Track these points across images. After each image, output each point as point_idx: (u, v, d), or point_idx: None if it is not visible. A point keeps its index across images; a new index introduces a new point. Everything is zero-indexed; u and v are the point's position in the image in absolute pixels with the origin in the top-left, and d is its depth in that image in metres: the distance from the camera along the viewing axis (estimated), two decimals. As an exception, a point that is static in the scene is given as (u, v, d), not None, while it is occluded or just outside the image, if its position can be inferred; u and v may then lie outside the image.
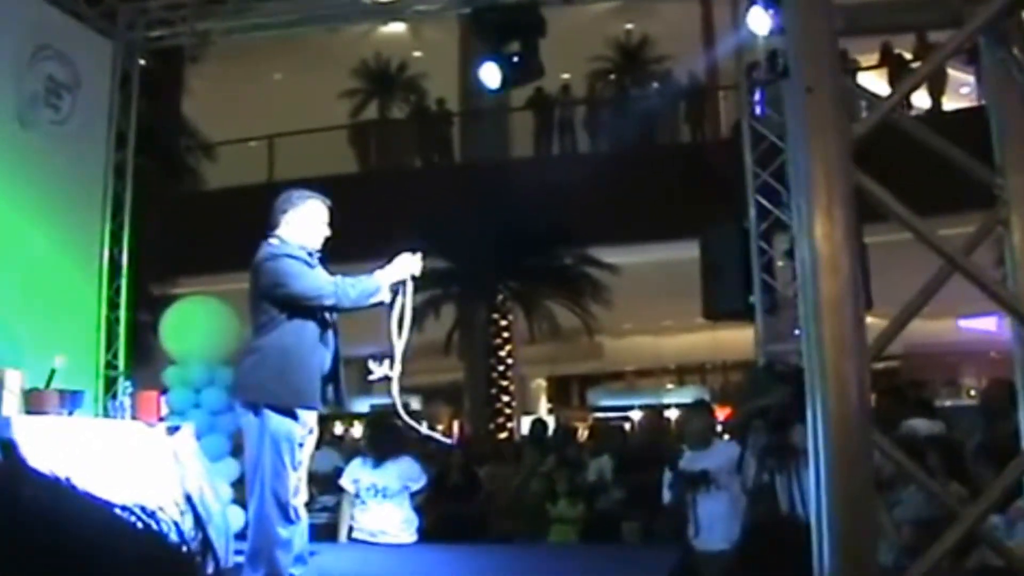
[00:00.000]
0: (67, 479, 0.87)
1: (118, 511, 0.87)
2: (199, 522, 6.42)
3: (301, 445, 6.10)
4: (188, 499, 6.33)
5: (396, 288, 6.18)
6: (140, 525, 0.88)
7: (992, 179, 2.95)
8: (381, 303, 6.11)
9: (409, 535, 8.90)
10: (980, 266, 2.73)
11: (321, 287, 6.01)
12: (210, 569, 0.96)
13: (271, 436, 5.93)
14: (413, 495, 8.93)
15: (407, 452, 9.21)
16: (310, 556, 6.29)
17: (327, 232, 6.31)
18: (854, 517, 2.55)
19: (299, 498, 6.20)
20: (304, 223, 6.23)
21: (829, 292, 2.54)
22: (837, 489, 2.55)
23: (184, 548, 0.91)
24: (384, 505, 8.81)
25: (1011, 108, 3.04)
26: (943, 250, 2.71)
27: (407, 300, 6.21)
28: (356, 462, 9.13)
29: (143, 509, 0.90)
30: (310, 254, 6.17)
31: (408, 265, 6.18)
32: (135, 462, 6.79)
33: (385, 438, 9.18)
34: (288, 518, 6.00)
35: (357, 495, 8.90)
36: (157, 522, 0.90)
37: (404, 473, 8.82)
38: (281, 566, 5.97)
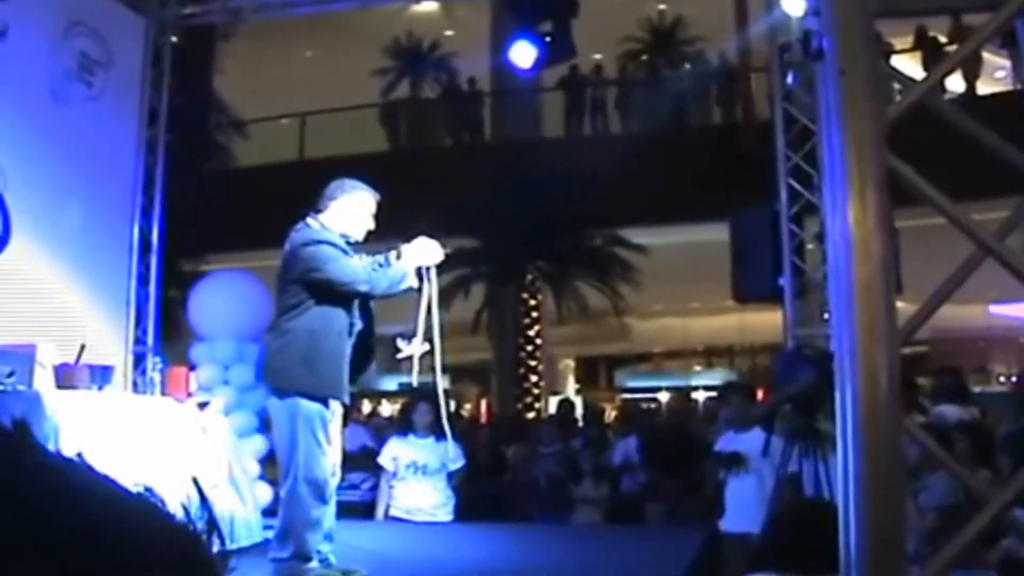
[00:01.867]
0: (79, 457, 0.87)
1: (126, 490, 0.87)
2: (205, 502, 6.44)
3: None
4: (194, 480, 6.35)
5: (421, 274, 6.20)
6: (147, 504, 0.88)
7: (1028, 164, 2.92)
8: (410, 289, 6.14)
9: (446, 514, 8.90)
10: (1014, 251, 2.70)
11: (356, 274, 6.03)
12: (215, 548, 0.96)
13: (303, 417, 5.97)
14: (451, 475, 8.94)
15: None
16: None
17: (371, 225, 6.34)
18: (883, 503, 2.54)
19: (334, 479, 6.25)
20: (350, 212, 6.26)
21: (861, 277, 2.52)
22: (866, 475, 2.53)
23: (190, 527, 0.91)
24: (423, 482, 8.81)
25: (1047, 93, 3.02)
26: (978, 235, 2.69)
27: (433, 287, 6.24)
28: (395, 439, 9.07)
29: (150, 489, 0.91)
30: (348, 243, 6.20)
31: (429, 250, 6.22)
32: (152, 438, 6.82)
33: (448, 416, 9.18)
34: (322, 498, 6.05)
35: (395, 472, 8.90)
36: (163, 502, 0.90)
37: (445, 452, 8.82)
38: (310, 545, 6.01)
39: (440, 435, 8.57)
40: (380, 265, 6.23)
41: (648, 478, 10.94)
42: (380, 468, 9.07)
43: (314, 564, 6.04)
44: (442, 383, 6.62)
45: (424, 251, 6.20)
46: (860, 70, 2.52)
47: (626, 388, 30.55)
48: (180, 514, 0.91)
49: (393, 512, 8.88)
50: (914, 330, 2.64)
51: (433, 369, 6.45)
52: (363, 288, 6.04)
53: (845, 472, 2.58)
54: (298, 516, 6.00)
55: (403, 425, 9.14)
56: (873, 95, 2.56)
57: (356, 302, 6.18)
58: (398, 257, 6.21)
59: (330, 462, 6.13)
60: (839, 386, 2.59)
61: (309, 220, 6.20)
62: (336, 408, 6.22)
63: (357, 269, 6.07)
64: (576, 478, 11.09)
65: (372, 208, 6.34)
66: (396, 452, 8.90)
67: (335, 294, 6.04)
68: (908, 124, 2.69)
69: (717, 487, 8.84)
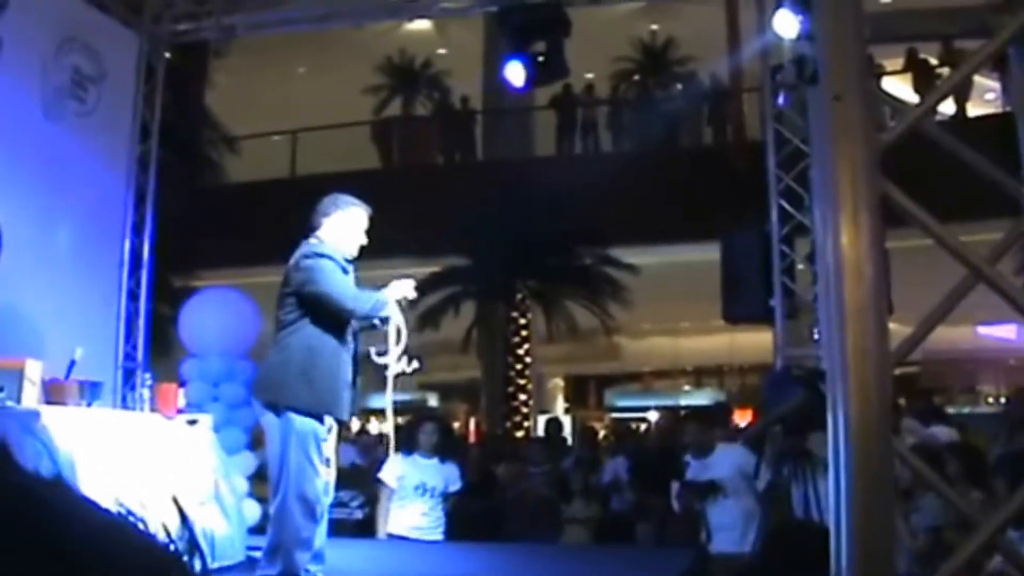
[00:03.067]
0: (58, 477, 0.87)
1: (105, 511, 0.87)
2: (186, 521, 6.45)
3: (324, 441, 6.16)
4: (174, 499, 6.37)
5: (399, 304, 6.30)
6: (126, 525, 0.88)
7: (1017, 188, 2.94)
8: (385, 318, 6.22)
9: (439, 534, 8.90)
10: (1004, 275, 2.71)
11: (344, 292, 6.09)
12: (197, 568, 0.96)
13: (296, 434, 5.98)
14: (446, 496, 8.93)
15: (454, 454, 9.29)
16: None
17: (364, 241, 6.42)
18: (874, 524, 2.54)
19: (327, 497, 6.25)
20: (344, 228, 6.35)
21: (853, 299, 2.53)
22: (857, 496, 2.54)
23: (171, 547, 0.91)
24: (426, 503, 8.80)
25: (1038, 117, 3.03)
26: (968, 259, 2.70)
27: (400, 317, 6.32)
28: (399, 458, 8.84)
29: (131, 510, 0.91)
30: (347, 260, 6.28)
31: (405, 287, 6.29)
32: (139, 455, 6.79)
33: (442, 438, 9.17)
34: (313, 516, 6.05)
35: (396, 491, 8.85)
36: (144, 521, 0.90)
37: (450, 474, 8.84)
38: (298, 564, 5.99)
39: (443, 457, 8.62)
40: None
41: (637, 498, 10.93)
42: (380, 484, 8.93)
43: (301, 584, 6.03)
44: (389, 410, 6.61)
45: (401, 287, 6.27)
46: (854, 95, 2.54)
47: (615, 407, 30.54)
48: (161, 534, 0.91)
49: (391, 529, 8.84)
50: (908, 352, 2.65)
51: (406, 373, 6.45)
52: (348, 305, 6.09)
53: (836, 492, 2.59)
54: (287, 533, 5.98)
55: (407, 444, 9.06)
56: (866, 120, 2.58)
57: (351, 323, 6.23)
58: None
59: (322, 480, 6.13)
60: (831, 407, 2.60)
61: (310, 239, 6.28)
62: (332, 426, 6.23)
63: (346, 287, 6.14)
64: (566, 497, 11.08)
65: (365, 223, 6.42)
66: (402, 471, 8.82)
67: (329, 311, 6.08)
68: (900, 147, 2.70)
69: (695, 515, 8.84)
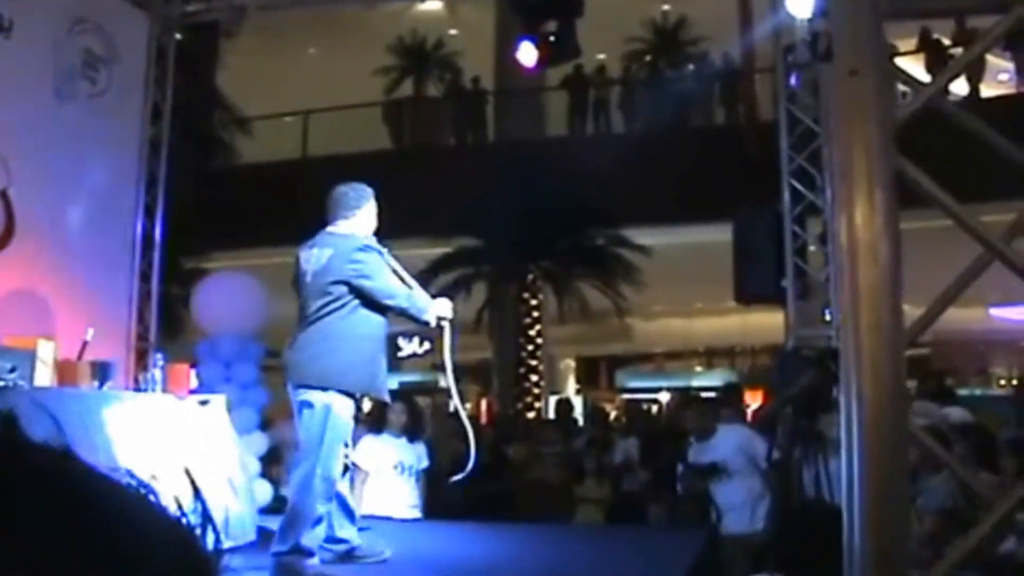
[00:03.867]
0: (68, 450, 0.87)
1: (119, 483, 0.87)
2: (199, 496, 6.54)
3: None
4: (188, 473, 6.47)
5: (440, 323, 6.58)
6: (140, 497, 0.87)
7: (1034, 167, 2.91)
8: (425, 323, 6.52)
9: (417, 512, 8.89)
10: (1021, 253, 2.69)
11: (396, 289, 6.37)
12: (209, 541, 0.96)
13: (337, 417, 6.21)
14: (418, 475, 8.94)
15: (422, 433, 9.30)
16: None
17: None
18: (888, 503, 2.53)
19: (346, 478, 6.51)
20: (369, 219, 6.58)
21: (868, 280, 2.51)
22: (871, 476, 2.53)
23: (184, 520, 0.90)
24: (408, 481, 8.79)
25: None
26: (985, 238, 2.68)
27: (447, 337, 6.67)
28: (370, 437, 8.76)
29: (144, 482, 0.90)
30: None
31: (447, 307, 6.60)
32: (152, 434, 6.81)
33: (420, 416, 9.24)
34: (330, 496, 6.23)
35: (373, 472, 8.82)
36: (157, 494, 0.89)
37: (420, 452, 8.85)
38: (312, 540, 6.14)
39: (412, 436, 8.67)
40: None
41: (649, 478, 10.94)
42: (353, 468, 8.86)
43: (314, 561, 6.12)
44: (463, 413, 7.37)
45: (443, 306, 6.56)
46: (869, 71, 2.52)
47: (627, 388, 30.54)
48: (174, 508, 0.90)
49: (375, 511, 8.83)
50: (920, 331, 2.63)
51: (450, 396, 7.22)
52: (394, 302, 6.36)
53: (849, 472, 2.57)
54: (305, 509, 6.14)
55: (376, 423, 8.99)
56: (882, 96, 2.55)
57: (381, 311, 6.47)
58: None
59: (342, 461, 6.39)
60: (843, 387, 2.58)
61: (344, 227, 6.49)
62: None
63: (397, 287, 6.39)
64: (578, 478, 11.09)
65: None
66: (375, 450, 8.79)
67: (380, 304, 6.35)
68: (912, 126, 2.68)
69: (700, 496, 8.86)
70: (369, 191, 6.61)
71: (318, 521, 6.17)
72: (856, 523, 2.54)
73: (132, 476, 0.91)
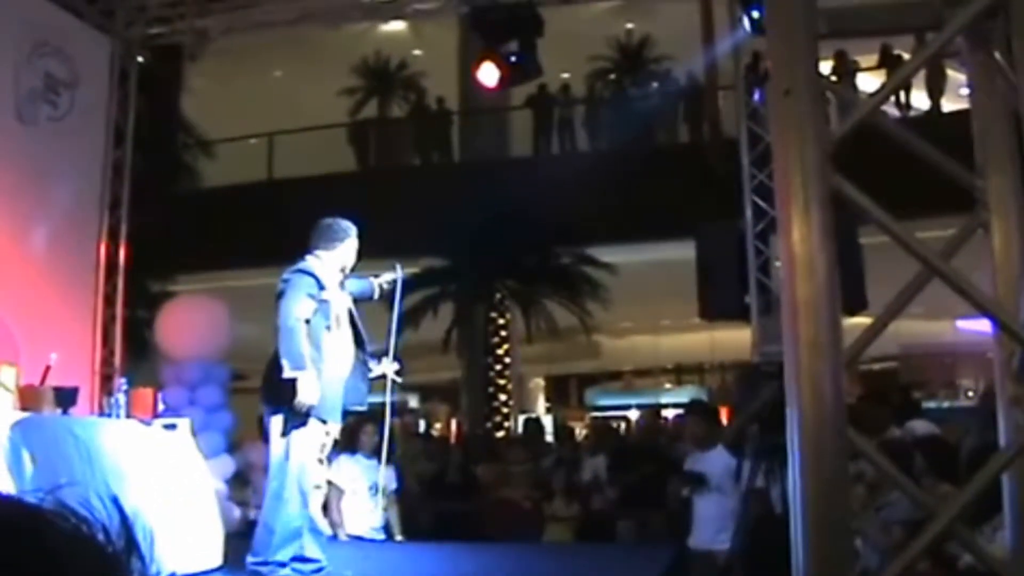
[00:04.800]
0: None
1: (44, 512, 0.88)
2: (125, 523, 6.51)
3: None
4: (115, 500, 6.44)
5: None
6: (66, 525, 0.89)
7: (972, 181, 2.96)
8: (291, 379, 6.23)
9: (380, 533, 8.93)
10: (958, 270, 2.73)
11: (291, 315, 6.23)
12: (135, 570, 0.97)
13: (304, 435, 6.29)
14: (391, 495, 9.00)
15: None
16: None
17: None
18: (826, 515, 2.56)
19: (319, 494, 6.58)
20: (347, 255, 6.65)
21: (805, 294, 2.55)
22: (809, 488, 2.56)
23: (109, 549, 0.92)
24: (379, 503, 8.80)
25: (992, 111, 3.06)
26: (920, 253, 2.73)
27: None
28: (345, 457, 8.86)
29: (71, 510, 0.91)
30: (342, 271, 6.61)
31: (311, 392, 6.25)
32: (115, 460, 6.79)
33: (392, 439, 9.23)
34: (306, 505, 6.32)
35: (347, 493, 8.83)
36: (85, 523, 0.91)
37: (390, 474, 8.87)
38: (285, 553, 6.24)
39: (382, 457, 8.68)
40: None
41: (617, 495, 10.95)
42: (331, 487, 8.67)
43: (286, 572, 6.15)
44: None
45: (308, 387, 6.23)
46: (804, 90, 2.56)
47: (596, 406, 30.54)
48: (103, 535, 0.92)
49: (352, 532, 8.85)
50: (861, 349, 2.67)
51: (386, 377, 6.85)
52: (282, 327, 6.23)
53: (794, 487, 2.61)
54: (279, 523, 6.23)
55: (349, 444, 9.00)
56: (817, 114, 2.59)
57: (351, 332, 6.56)
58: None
59: (319, 477, 6.50)
60: (788, 402, 2.62)
61: (317, 258, 6.54)
62: (330, 431, 6.51)
63: (297, 312, 6.24)
64: (547, 496, 11.10)
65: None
66: (351, 472, 8.81)
67: (323, 323, 6.35)
68: (855, 141, 2.72)
69: (682, 504, 8.90)
70: (352, 229, 6.64)
71: (294, 534, 6.25)
72: (799, 534, 2.58)
73: (58, 502, 0.92)
